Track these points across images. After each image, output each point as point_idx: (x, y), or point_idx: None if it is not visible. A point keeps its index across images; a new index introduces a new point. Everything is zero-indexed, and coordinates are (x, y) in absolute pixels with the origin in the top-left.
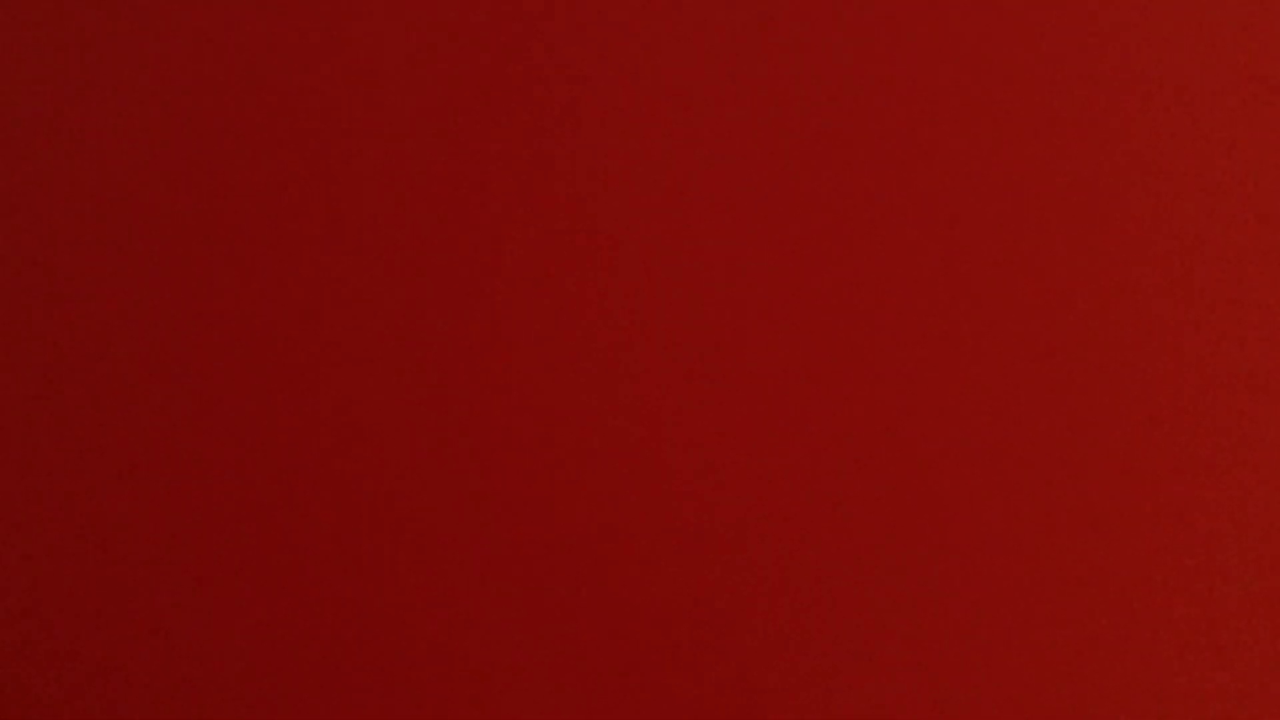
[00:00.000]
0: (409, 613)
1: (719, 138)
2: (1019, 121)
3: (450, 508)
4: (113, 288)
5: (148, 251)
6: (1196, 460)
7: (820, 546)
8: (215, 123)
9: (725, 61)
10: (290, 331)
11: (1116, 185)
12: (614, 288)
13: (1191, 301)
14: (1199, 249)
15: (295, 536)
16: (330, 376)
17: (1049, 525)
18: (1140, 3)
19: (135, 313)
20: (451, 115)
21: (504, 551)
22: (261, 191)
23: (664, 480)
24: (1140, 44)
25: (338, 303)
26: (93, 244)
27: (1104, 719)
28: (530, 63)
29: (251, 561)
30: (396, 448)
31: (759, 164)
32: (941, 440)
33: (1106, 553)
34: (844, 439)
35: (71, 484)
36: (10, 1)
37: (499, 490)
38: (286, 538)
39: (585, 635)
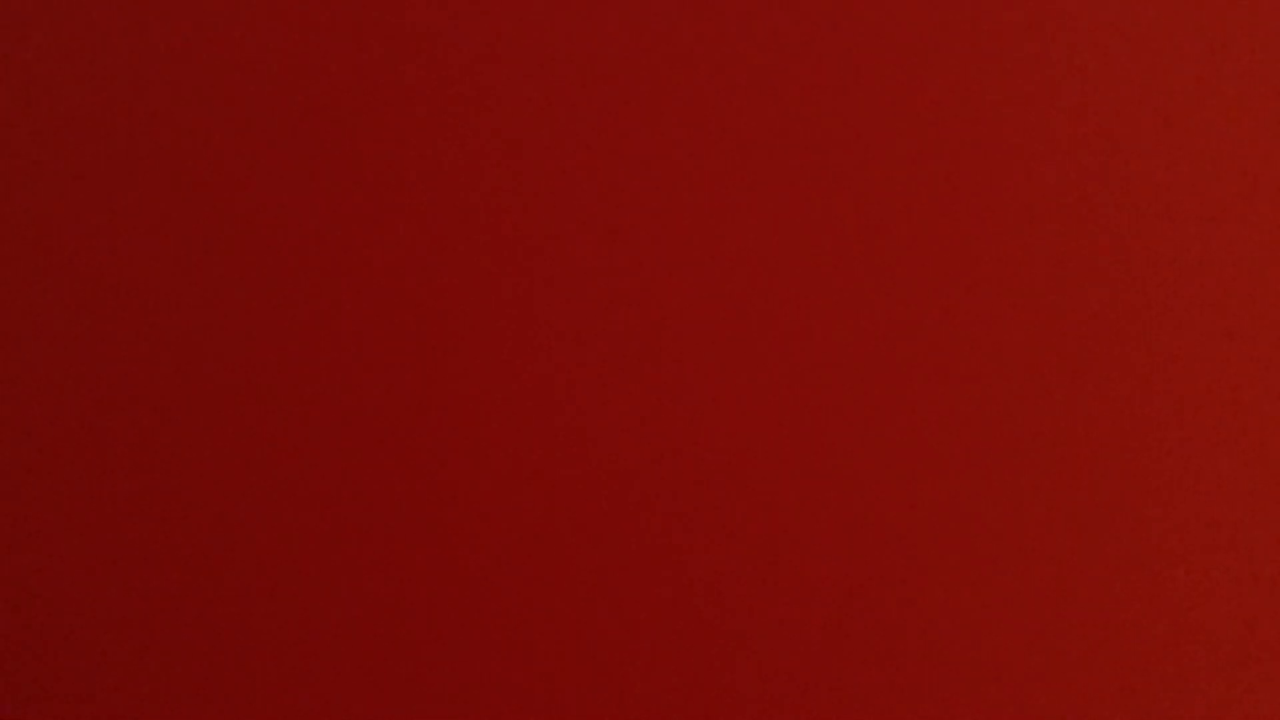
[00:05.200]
0: (408, 613)
1: (717, 138)
2: (1016, 122)
3: (449, 508)
4: (111, 288)
5: (148, 251)
6: (1195, 460)
7: (819, 548)
8: (214, 122)
9: (724, 61)
10: (290, 331)
11: (1115, 186)
12: (613, 288)
13: (1190, 303)
14: (1198, 250)
15: (295, 536)
16: (329, 377)
17: (1048, 526)
18: (1140, 4)
19: (135, 312)
20: (450, 115)
21: (503, 552)
22: (260, 192)
23: (663, 481)
24: (1138, 44)
25: (336, 303)
26: (93, 244)
27: (1103, 718)
28: (529, 62)
29: (252, 561)
30: (394, 448)
31: (757, 164)
32: (940, 440)
33: (1105, 554)
34: (842, 439)
35: (72, 483)
36: (10, 1)
37: (498, 491)
38: (286, 538)
39: (584, 636)
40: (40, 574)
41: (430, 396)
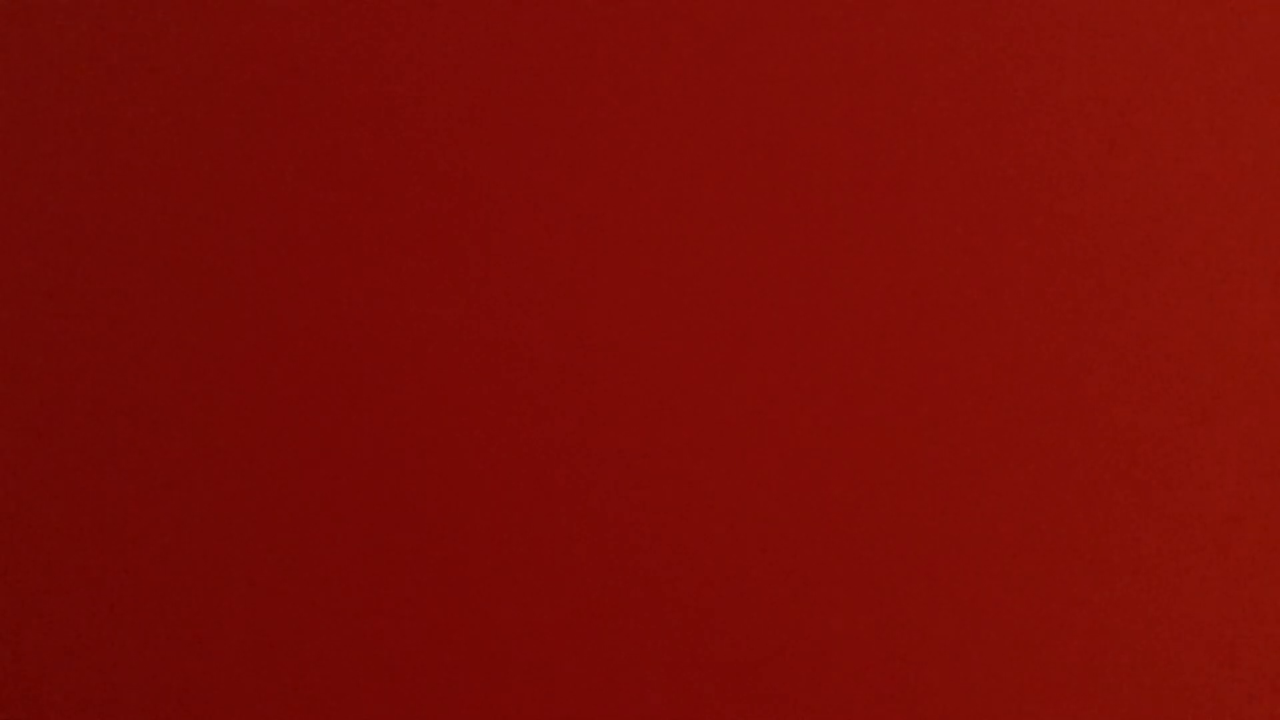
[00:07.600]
0: (407, 613)
1: (715, 138)
2: (1014, 122)
3: (449, 509)
4: (112, 288)
5: (148, 251)
6: (1193, 461)
7: (817, 549)
8: (215, 122)
9: (723, 61)
10: (290, 333)
11: (1114, 186)
12: (613, 289)
13: (1189, 303)
14: (1197, 250)
15: (295, 537)
16: (330, 378)
17: (1047, 527)
18: (1140, 5)
19: (135, 313)
20: (449, 115)
21: (502, 553)
22: (261, 193)
23: (661, 483)
24: (1138, 43)
25: (337, 304)
26: (93, 244)
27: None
28: (529, 62)
29: (252, 563)
30: (392, 448)
31: (755, 164)
32: (938, 441)
33: (1104, 554)
34: (840, 440)
35: (72, 484)
36: (10, 1)
37: (498, 492)
38: (287, 539)
39: (582, 637)
40: (40, 574)
41: (428, 397)
